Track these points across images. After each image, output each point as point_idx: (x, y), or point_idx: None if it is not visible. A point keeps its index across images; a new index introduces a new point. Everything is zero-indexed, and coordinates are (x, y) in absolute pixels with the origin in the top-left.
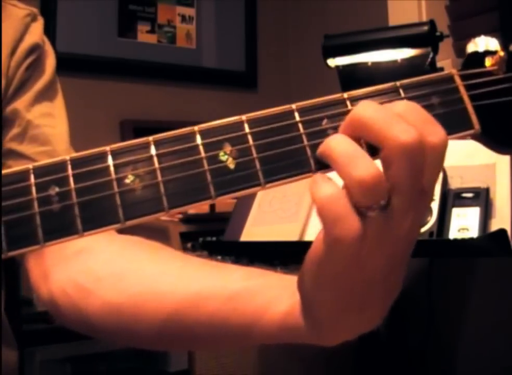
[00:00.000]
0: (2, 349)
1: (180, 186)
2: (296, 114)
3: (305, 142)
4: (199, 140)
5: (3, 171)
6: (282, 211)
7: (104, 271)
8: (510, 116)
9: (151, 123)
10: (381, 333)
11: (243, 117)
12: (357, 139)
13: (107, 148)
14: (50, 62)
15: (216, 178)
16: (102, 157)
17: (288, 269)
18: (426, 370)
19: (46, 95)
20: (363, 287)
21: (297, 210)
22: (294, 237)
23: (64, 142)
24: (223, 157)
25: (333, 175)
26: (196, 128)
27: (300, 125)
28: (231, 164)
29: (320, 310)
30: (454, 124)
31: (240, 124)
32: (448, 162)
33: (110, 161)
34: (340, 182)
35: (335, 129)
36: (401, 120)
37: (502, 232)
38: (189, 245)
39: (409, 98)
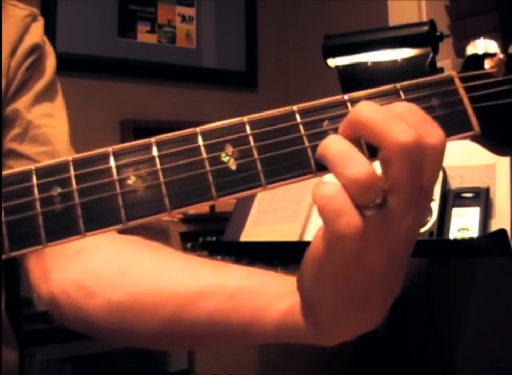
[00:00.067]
0: (2, 349)
1: (182, 187)
2: (297, 116)
3: (306, 143)
4: (200, 141)
5: (5, 172)
6: (282, 211)
7: (105, 270)
8: (509, 118)
9: (151, 123)
10: (381, 333)
11: (245, 118)
12: (357, 140)
13: (110, 149)
14: (51, 62)
15: (218, 179)
16: (104, 157)
17: (288, 269)
18: (426, 370)
19: (46, 95)
20: (364, 286)
21: (297, 210)
22: (294, 237)
23: (64, 142)
24: (225, 158)
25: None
26: (198, 129)
27: (301, 127)
28: (232, 165)
29: (320, 309)
30: (454, 125)
31: (241, 126)
32: (448, 162)
33: (112, 162)
34: None
35: (336, 131)
36: (400, 120)
37: (502, 232)
38: (189, 245)
39: (409, 100)
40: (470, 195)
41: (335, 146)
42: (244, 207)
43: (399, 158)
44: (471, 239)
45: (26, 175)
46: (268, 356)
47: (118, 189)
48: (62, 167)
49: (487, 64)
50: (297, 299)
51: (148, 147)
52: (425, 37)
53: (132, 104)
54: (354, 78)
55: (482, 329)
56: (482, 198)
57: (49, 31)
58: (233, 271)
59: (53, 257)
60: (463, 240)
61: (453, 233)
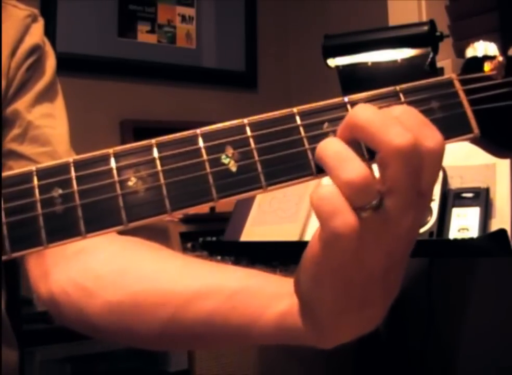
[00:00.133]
0: (2, 349)
1: (182, 189)
2: (297, 118)
3: (306, 145)
4: (201, 143)
5: (6, 173)
6: (282, 211)
7: (104, 270)
8: (508, 121)
9: (151, 123)
10: (381, 333)
11: (245, 120)
12: (356, 142)
13: (110, 150)
14: (51, 63)
15: (218, 181)
16: (105, 159)
17: (287, 269)
18: (426, 370)
19: (46, 95)
20: (362, 286)
21: (297, 210)
22: (294, 237)
23: (64, 143)
24: (225, 160)
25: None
26: (198, 131)
27: (301, 129)
28: (233, 167)
29: (319, 310)
30: (453, 128)
31: (241, 127)
32: (448, 162)
33: (113, 163)
34: None
35: (336, 133)
36: (397, 123)
37: (502, 232)
38: (189, 245)
39: (409, 102)
40: (470, 195)
41: (331, 148)
42: (244, 207)
43: (395, 161)
44: (471, 239)
45: (27, 176)
46: (268, 356)
47: (119, 191)
48: (62, 168)
49: (487, 66)
50: (296, 300)
51: (149, 149)
52: (425, 37)
53: (132, 104)
54: (354, 78)
55: (482, 329)
56: (482, 198)
57: (49, 31)
58: (232, 272)
59: (53, 257)
60: (463, 240)
61: (453, 233)
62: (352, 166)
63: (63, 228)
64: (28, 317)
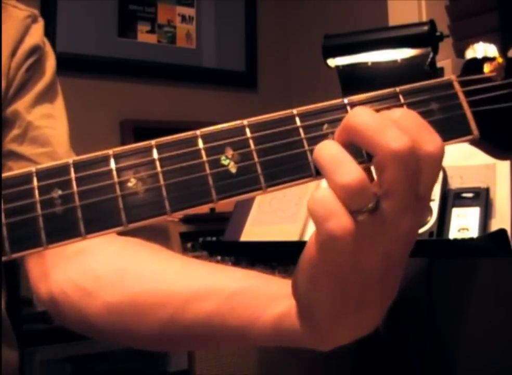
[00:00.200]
0: (3, 349)
1: (182, 190)
2: (297, 119)
3: (306, 147)
4: (200, 144)
5: (6, 174)
6: (282, 211)
7: (104, 270)
8: (508, 122)
9: (151, 123)
10: (381, 333)
11: (245, 121)
12: (354, 145)
13: (110, 151)
14: (51, 63)
15: (218, 182)
16: (104, 160)
17: (287, 270)
18: (426, 370)
19: (46, 96)
20: (360, 288)
21: (297, 210)
22: (294, 237)
23: (64, 143)
24: (225, 161)
25: None
26: (198, 132)
27: (301, 130)
28: (232, 168)
29: (317, 312)
30: (453, 129)
31: (241, 129)
32: (448, 162)
33: (113, 164)
34: None
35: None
36: (394, 127)
37: (502, 232)
38: (189, 245)
39: (409, 104)
40: (470, 195)
41: (327, 151)
42: (244, 207)
43: (392, 164)
44: (471, 239)
45: (26, 177)
46: (268, 356)
47: (118, 192)
48: (62, 169)
49: (486, 68)
50: (294, 302)
51: (148, 150)
52: (425, 37)
53: (132, 104)
54: (354, 78)
55: (482, 329)
56: (482, 198)
57: (49, 31)
58: (231, 273)
59: (52, 257)
60: (463, 240)
61: (453, 233)
62: (348, 170)
63: (63, 229)
64: (28, 317)
